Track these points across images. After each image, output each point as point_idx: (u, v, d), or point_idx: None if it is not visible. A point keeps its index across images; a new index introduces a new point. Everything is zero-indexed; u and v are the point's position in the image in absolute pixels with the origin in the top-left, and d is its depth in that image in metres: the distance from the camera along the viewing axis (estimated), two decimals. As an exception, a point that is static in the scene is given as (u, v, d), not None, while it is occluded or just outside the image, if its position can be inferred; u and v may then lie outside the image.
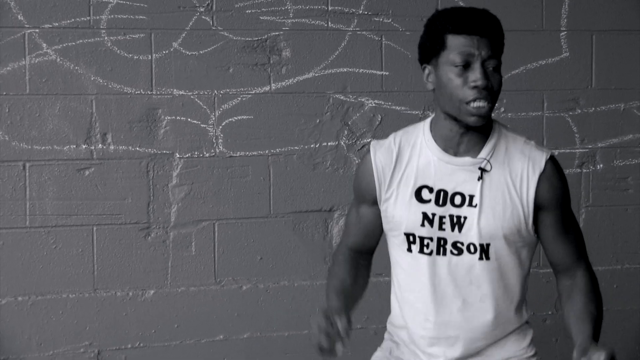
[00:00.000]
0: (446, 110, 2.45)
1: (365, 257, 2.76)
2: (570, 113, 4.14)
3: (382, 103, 3.95)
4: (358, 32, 3.92)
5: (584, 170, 4.16)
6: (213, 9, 3.79)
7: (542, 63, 4.11)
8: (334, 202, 3.93)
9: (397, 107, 3.96)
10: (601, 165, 4.18)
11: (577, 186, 4.12)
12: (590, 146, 4.17)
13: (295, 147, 3.90)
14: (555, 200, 2.49)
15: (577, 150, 4.14)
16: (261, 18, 3.83)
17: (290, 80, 3.88)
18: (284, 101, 3.87)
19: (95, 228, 3.74)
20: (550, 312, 4.13)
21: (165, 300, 3.82)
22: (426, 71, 2.48)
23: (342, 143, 3.93)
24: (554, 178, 2.50)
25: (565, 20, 4.12)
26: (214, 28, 3.79)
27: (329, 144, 3.92)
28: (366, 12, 3.92)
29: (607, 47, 4.16)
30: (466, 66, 2.36)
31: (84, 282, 3.75)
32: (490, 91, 2.37)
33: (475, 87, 2.35)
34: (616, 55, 4.17)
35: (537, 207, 2.48)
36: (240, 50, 3.82)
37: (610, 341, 4.07)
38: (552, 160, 2.51)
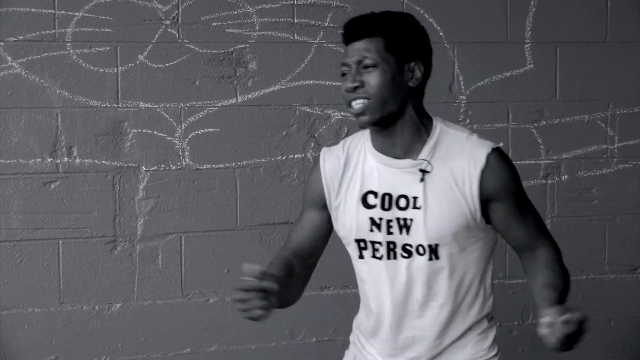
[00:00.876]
0: None
1: (302, 266, 2.74)
2: (535, 124, 4.28)
3: (349, 115, 4.03)
4: (324, 45, 4.05)
5: (549, 182, 4.30)
6: (179, 22, 3.89)
7: (507, 75, 4.25)
8: (301, 214, 4.04)
9: (363, 119, 4.08)
10: (566, 177, 4.32)
11: (543, 197, 4.26)
12: (555, 157, 4.31)
13: (262, 160, 4.01)
14: (504, 190, 2.53)
15: (542, 162, 4.28)
16: (227, 31, 3.95)
17: (257, 93, 3.99)
18: (251, 114, 3.99)
19: (61, 242, 3.84)
20: (516, 323, 4.26)
21: (132, 314, 3.92)
22: None
23: (309, 155, 4.05)
24: (498, 169, 2.53)
25: (529, 32, 4.26)
26: (180, 41, 3.90)
27: (295, 156, 4.04)
28: (332, 25, 4.04)
29: (571, 58, 4.30)
30: (346, 74, 2.49)
31: (50, 296, 3.84)
32: (362, 89, 2.45)
33: (346, 90, 2.47)
34: (580, 67, 4.32)
35: (486, 201, 2.53)
36: (207, 62, 3.93)
37: (576, 352, 4.24)
38: (494, 153, 2.53)
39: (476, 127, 4.17)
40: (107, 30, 3.83)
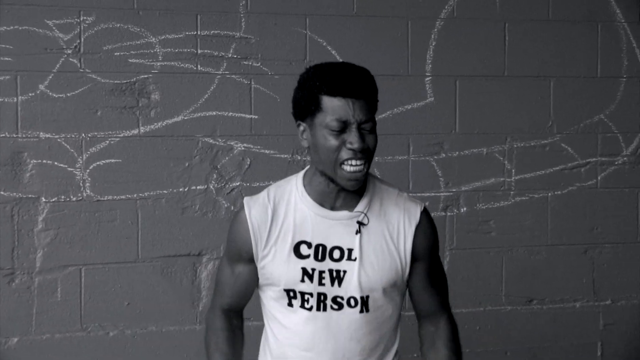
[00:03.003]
0: (322, 170, 2.63)
1: (238, 315, 2.89)
2: (435, 157, 4.57)
3: (252, 146, 4.32)
4: (227, 76, 4.29)
5: (449, 214, 4.60)
6: (81, 51, 4.10)
7: (407, 107, 4.54)
8: (203, 246, 4.27)
9: (266, 151, 4.33)
10: (465, 209, 4.63)
11: (442, 229, 4.52)
12: (454, 190, 4.61)
13: (164, 191, 4.23)
14: (428, 250, 2.74)
15: (442, 194, 4.59)
16: (130, 61, 4.16)
17: (159, 124, 4.21)
18: (153, 144, 4.20)
19: (-43, 274, 4.00)
20: (415, 355, 4.52)
21: (30, 348, 4.09)
22: (301, 128, 2.65)
23: (211, 187, 4.28)
24: (428, 229, 2.73)
25: (430, 65, 4.56)
26: (81, 70, 4.11)
27: (197, 187, 4.26)
28: (235, 56, 4.29)
29: (470, 92, 4.62)
30: (342, 129, 2.54)
31: (-55, 330, 4.00)
32: (366, 152, 2.55)
33: (351, 149, 2.53)
34: (479, 101, 4.63)
35: (413, 259, 2.71)
36: (109, 93, 4.14)
37: (474, 383, 4.56)
38: (425, 212, 2.73)
39: (377, 159, 4.42)
40: (7, 59, 4.02)
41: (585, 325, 4.85)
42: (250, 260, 2.75)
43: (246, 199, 2.76)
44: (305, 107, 2.61)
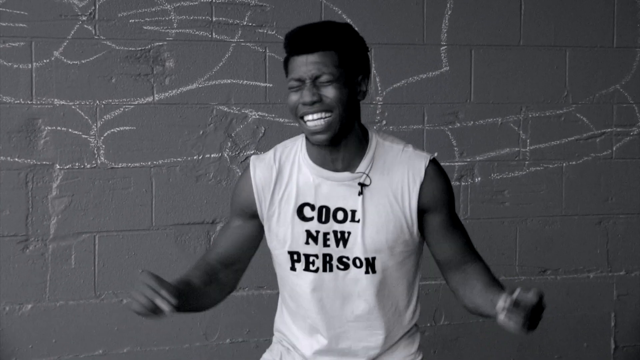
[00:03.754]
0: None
1: (226, 274, 2.83)
2: (450, 127, 4.56)
3: (266, 115, 4.31)
4: (242, 44, 4.27)
5: (463, 183, 4.59)
6: (95, 18, 4.07)
7: (422, 77, 4.52)
8: (217, 214, 4.26)
9: (280, 119, 4.32)
10: (479, 179, 4.62)
11: (456, 199, 4.42)
12: (468, 159, 4.61)
13: (178, 159, 4.22)
14: (440, 202, 2.69)
15: (456, 164, 4.58)
16: (145, 28, 4.14)
17: (174, 91, 4.20)
18: (167, 112, 4.19)
19: (-29, 241, 4.00)
20: (429, 324, 4.54)
21: (43, 315, 4.10)
22: None
23: (226, 155, 4.27)
24: (436, 181, 2.67)
25: (445, 34, 4.54)
26: (96, 37, 4.08)
27: (212, 155, 4.25)
28: (250, 24, 4.27)
29: (485, 61, 4.60)
30: (300, 87, 2.56)
31: (-40, 296, 4.00)
32: (322, 103, 2.53)
33: (304, 104, 2.53)
34: (494, 70, 4.61)
35: (422, 212, 2.66)
36: (123, 60, 4.12)
37: (486, 352, 4.57)
38: (431, 164, 2.68)
39: (392, 128, 4.42)
40: (21, 25, 3.99)
41: (599, 296, 4.85)
42: (250, 217, 2.77)
43: (253, 158, 2.77)
44: (285, 72, 2.66)
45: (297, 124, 2.64)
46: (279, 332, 2.93)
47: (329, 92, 2.54)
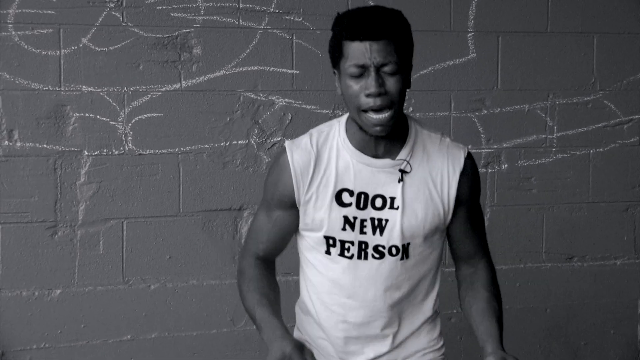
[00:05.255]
0: (352, 117, 2.59)
1: (272, 264, 2.85)
2: (477, 113, 4.53)
3: (293, 102, 4.29)
4: (269, 31, 4.24)
5: (489, 170, 4.56)
6: (123, 5, 4.06)
7: (449, 64, 4.49)
8: (244, 201, 4.25)
9: (307, 106, 4.29)
10: (506, 166, 4.59)
11: (483, 186, 4.40)
12: (495, 146, 4.57)
13: (206, 146, 4.20)
14: (471, 195, 2.72)
15: (483, 150, 4.55)
16: (172, 15, 4.12)
17: (201, 78, 4.18)
18: (195, 99, 4.17)
19: (0, 227, 4.00)
20: (455, 311, 4.47)
21: (72, 300, 4.10)
22: (335, 76, 2.60)
23: (252, 142, 4.25)
24: (472, 174, 2.70)
25: (472, 21, 4.50)
26: (124, 24, 4.07)
27: (239, 142, 4.24)
28: (277, 11, 4.25)
29: (512, 48, 4.56)
30: (362, 74, 2.48)
31: (-11, 281, 4.01)
32: (387, 96, 2.48)
33: (369, 95, 2.47)
34: (521, 57, 4.58)
35: (456, 204, 2.68)
36: (151, 47, 4.11)
37: (513, 339, 4.55)
38: (469, 157, 2.70)
39: (419, 115, 4.39)
40: (50, 12, 3.98)
41: (626, 282, 4.81)
42: (291, 206, 2.72)
43: (288, 143, 2.71)
44: (333, 54, 2.58)
45: (350, 113, 2.60)
46: (300, 325, 2.92)
47: (392, 84, 2.49)
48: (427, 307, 2.81)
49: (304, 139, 2.71)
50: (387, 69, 2.48)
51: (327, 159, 2.67)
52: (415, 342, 2.82)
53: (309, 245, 2.75)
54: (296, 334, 2.93)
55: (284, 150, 2.71)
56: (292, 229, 2.78)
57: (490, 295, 2.72)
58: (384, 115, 2.50)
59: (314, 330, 2.84)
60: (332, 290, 2.74)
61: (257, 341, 4.28)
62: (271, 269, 2.84)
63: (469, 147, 4.38)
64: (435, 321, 2.87)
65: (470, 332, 4.48)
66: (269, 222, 2.78)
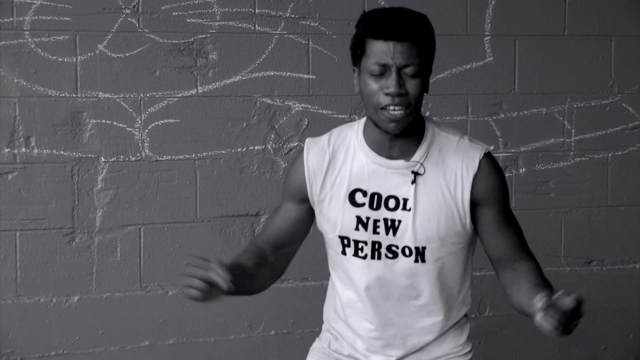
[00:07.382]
0: (369, 115, 2.59)
1: (276, 257, 2.79)
2: (494, 117, 4.49)
3: (309, 107, 4.26)
4: (285, 36, 4.22)
5: (507, 174, 4.43)
6: (139, 11, 4.04)
7: (466, 67, 4.46)
8: (261, 207, 4.22)
9: (324, 111, 4.27)
10: (524, 169, 4.54)
11: None
12: (513, 150, 4.53)
13: (222, 151, 4.18)
14: (493, 196, 2.64)
15: (501, 155, 4.49)
16: (188, 20, 4.10)
17: (217, 84, 4.16)
18: (211, 105, 4.15)
19: (18, 233, 3.98)
20: (473, 315, 4.48)
21: (90, 306, 4.08)
22: (355, 73, 2.59)
23: (269, 147, 4.22)
24: (490, 175, 2.64)
25: (489, 25, 4.46)
26: (140, 30, 4.05)
27: (255, 148, 4.21)
28: (293, 16, 4.22)
29: (529, 52, 4.52)
30: (383, 73, 2.48)
31: (7, 288, 3.99)
32: (406, 97, 2.47)
33: (388, 94, 2.46)
34: (538, 60, 4.53)
35: (474, 205, 2.64)
36: (167, 53, 4.08)
37: (531, 343, 4.49)
38: (486, 157, 2.64)
39: (436, 119, 4.32)
40: (66, 18, 3.96)
41: (646, 287, 4.74)
42: (302, 201, 2.75)
43: (308, 140, 2.75)
44: (355, 51, 2.57)
45: (366, 111, 2.59)
46: (327, 322, 2.90)
47: (413, 86, 2.49)
48: (452, 311, 2.78)
49: (324, 138, 2.74)
50: (408, 70, 2.48)
51: (342, 158, 2.69)
52: (438, 347, 2.79)
53: (330, 244, 2.76)
54: (316, 344, 2.93)
55: (303, 146, 2.76)
56: (294, 223, 2.80)
57: (537, 278, 2.60)
58: (401, 111, 2.49)
59: (342, 329, 2.83)
60: (351, 288, 2.75)
61: (275, 347, 4.27)
62: (272, 257, 2.77)
63: (487, 151, 4.42)
64: (463, 327, 2.84)
65: (489, 336, 4.49)
66: (278, 214, 2.83)
